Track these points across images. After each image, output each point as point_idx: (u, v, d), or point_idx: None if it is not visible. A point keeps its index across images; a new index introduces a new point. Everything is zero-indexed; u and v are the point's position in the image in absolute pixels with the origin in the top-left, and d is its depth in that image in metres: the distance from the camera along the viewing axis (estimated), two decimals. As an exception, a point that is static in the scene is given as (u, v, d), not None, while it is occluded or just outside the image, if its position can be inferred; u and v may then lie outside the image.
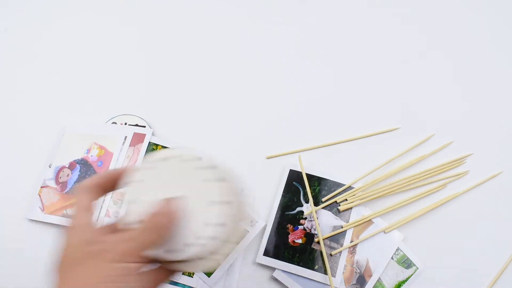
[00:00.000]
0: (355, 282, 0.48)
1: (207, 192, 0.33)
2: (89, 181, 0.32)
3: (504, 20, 0.63)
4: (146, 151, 0.54)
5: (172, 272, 0.32)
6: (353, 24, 0.63)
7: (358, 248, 0.50)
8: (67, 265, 0.28)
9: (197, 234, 0.31)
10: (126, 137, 0.55)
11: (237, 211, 0.33)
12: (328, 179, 0.52)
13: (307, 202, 0.51)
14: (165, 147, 0.54)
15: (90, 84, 0.60)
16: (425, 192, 0.53)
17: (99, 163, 0.54)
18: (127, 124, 0.56)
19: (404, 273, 0.49)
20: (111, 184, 0.33)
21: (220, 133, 0.57)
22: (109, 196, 0.52)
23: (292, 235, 0.50)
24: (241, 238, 0.41)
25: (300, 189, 0.52)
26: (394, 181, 0.53)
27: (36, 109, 0.59)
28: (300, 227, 0.50)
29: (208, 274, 0.48)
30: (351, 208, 0.51)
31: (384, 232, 0.50)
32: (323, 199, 0.51)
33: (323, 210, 0.51)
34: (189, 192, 0.33)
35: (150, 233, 0.29)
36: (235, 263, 0.49)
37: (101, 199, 0.31)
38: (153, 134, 0.55)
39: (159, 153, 0.34)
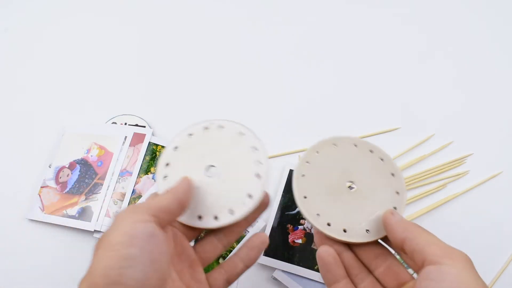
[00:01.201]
0: (355, 282, 0.48)
1: (248, 164, 0.34)
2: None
3: (504, 20, 0.63)
4: (146, 151, 0.54)
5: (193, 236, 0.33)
6: (353, 24, 0.63)
7: (358, 248, 0.50)
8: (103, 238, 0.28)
9: (239, 200, 0.33)
10: (126, 137, 0.55)
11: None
12: (328, 179, 0.52)
13: (307, 202, 0.51)
14: (165, 147, 0.54)
15: (90, 84, 0.60)
16: (425, 192, 0.53)
17: (99, 163, 0.54)
18: (127, 124, 0.56)
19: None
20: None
21: (220, 133, 0.57)
22: (109, 195, 0.52)
23: (292, 235, 0.50)
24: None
25: (300, 189, 0.52)
26: (394, 181, 0.53)
27: (36, 109, 0.59)
28: (300, 227, 0.50)
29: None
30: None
31: (384, 232, 0.50)
32: (323, 199, 0.51)
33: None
34: (230, 161, 0.34)
35: (171, 198, 0.29)
36: (235, 263, 0.48)
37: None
38: (153, 134, 0.55)
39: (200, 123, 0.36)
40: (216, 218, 0.32)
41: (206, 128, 0.36)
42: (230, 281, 0.35)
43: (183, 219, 0.33)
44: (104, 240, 0.28)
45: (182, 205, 0.30)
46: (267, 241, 0.35)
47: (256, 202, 0.33)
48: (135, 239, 0.26)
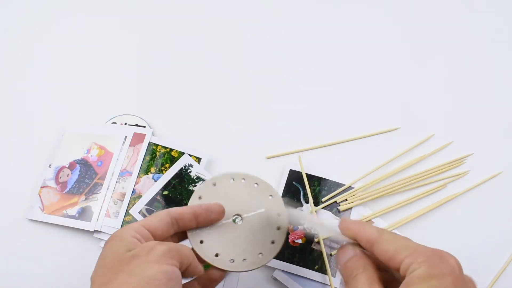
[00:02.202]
0: (355, 282, 0.48)
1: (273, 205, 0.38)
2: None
3: (504, 20, 0.63)
4: (146, 151, 0.54)
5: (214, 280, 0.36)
6: (353, 24, 0.63)
7: (358, 248, 0.50)
8: (107, 271, 0.29)
9: (265, 245, 0.36)
10: (126, 137, 0.55)
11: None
12: (328, 179, 0.52)
13: (307, 202, 0.51)
14: (165, 147, 0.54)
15: (90, 84, 0.60)
16: (425, 192, 0.53)
17: (99, 163, 0.54)
18: (127, 124, 0.56)
19: (404, 273, 0.49)
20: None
21: (220, 133, 0.57)
22: (109, 195, 0.52)
23: (292, 235, 0.50)
24: None
25: (300, 189, 0.52)
26: (394, 181, 0.53)
27: (36, 109, 0.59)
28: (300, 227, 0.50)
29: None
30: (351, 208, 0.51)
31: (384, 232, 0.50)
32: (323, 199, 0.51)
33: (323, 210, 0.51)
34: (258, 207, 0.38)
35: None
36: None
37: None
38: (153, 134, 0.55)
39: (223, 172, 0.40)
40: (244, 260, 0.35)
41: (230, 178, 0.39)
42: None
43: (217, 263, 0.35)
44: (135, 271, 0.28)
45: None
46: (222, 277, 0.36)
47: (279, 247, 0.37)
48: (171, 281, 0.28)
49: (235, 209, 0.38)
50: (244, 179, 0.40)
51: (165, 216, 0.34)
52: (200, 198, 0.39)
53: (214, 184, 0.40)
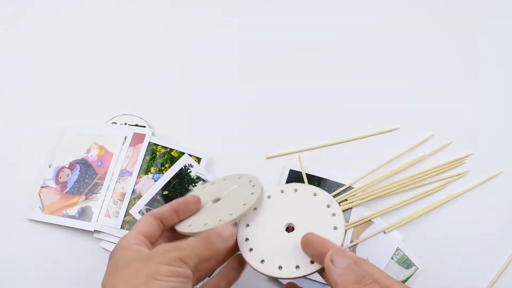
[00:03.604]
0: (355, 282, 0.48)
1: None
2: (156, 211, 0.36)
3: (504, 20, 0.63)
4: (146, 151, 0.54)
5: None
6: (353, 24, 0.63)
7: (358, 248, 0.50)
8: (119, 273, 0.30)
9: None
10: (126, 137, 0.55)
11: None
12: (328, 179, 0.52)
13: (307, 202, 0.51)
14: (165, 147, 0.54)
15: (90, 84, 0.60)
16: (425, 192, 0.53)
17: (99, 163, 0.54)
18: (127, 124, 0.56)
19: (404, 273, 0.49)
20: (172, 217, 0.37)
21: (220, 133, 0.57)
22: (109, 195, 0.52)
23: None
24: None
25: (300, 189, 0.52)
26: (394, 181, 0.53)
27: (36, 109, 0.59)
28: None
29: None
30: (351, 208, 0.51)
31: (384, 232, 0.50)
32: (323, 199, 0.51)
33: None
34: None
35: (202, 247, 0.32)
36: (235, 263, 0.49)
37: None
38: (153, 134, 0.55)
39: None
40: (297, 267, 0.34)
41: (282, 191, 0.39)
42: (229, 285, 0.37)
43: (264, 270, 0.35)
44: (144, 268, 0.29)
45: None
46: (245, 264, 0.37)
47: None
48: (179, 277, 0.29)
49: (214, 196, 0.40)
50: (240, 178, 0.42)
51: (149, 218, 0.35)
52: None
53: (204, 188, 0.43)
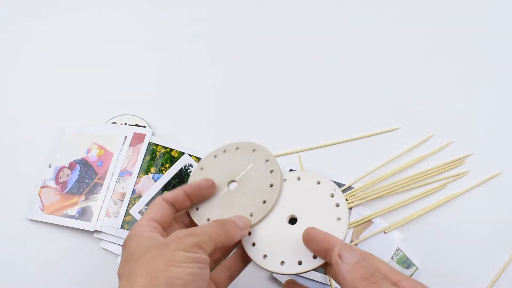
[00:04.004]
0: (355, 282, 0.48)
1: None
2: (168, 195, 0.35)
3: (504, 19, 0.63)
4: (146, 151, 0.54)
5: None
6: (353, 23, 0.63)
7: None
8: (135, 262, 0.29)
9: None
10: (126, 137, 0.55)
11: None
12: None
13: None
14: (165, 147, 0.54)
15: (90, 84, 0.60)
16: (425, 192, 0.53)
17: (99, 163, 0.54)
18: (127, 124, 0.56)
19: (404, 273, 0.49)
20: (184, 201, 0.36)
21: (220, 133, 0.57)
22: (109, 195, 0.52)
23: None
24: None
25: (300, 189, 0.52)
26: (394, 181, 0.53)
27: (37, 109, 0.59)
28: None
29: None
30: (351, 208, 0.51)
31: (384, 232, 0.50)
32: (323, 199, 0.51)
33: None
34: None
35: (218, 233, 0.32)
36: (235, 263, 0.49)
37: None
38: (153, 134, 0.55)
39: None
40: (299, 263, 0.34)
41: (285, 180, 0.38)
42: (232, 278, 0.37)
43: (267, 266, 0.34)
44: (162, 255, 0.29)
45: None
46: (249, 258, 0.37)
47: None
48: (197, 263, 0.29)
49: (229, 177, 0.38)
50: (238, 147, 0.40)
51: (162, 203, 0.34)
52: (202, 169, 0.40)
53: (215, 156, 0.40)
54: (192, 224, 0.38)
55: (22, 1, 0.66)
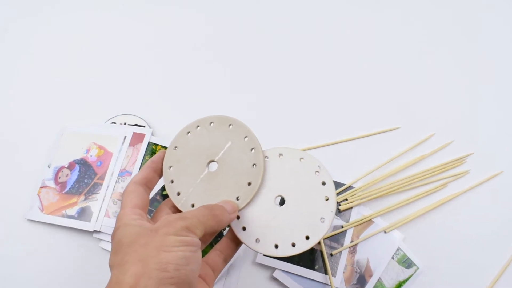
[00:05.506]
0: (355, 282, 0.48)
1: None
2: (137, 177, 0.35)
3: (504, 19, 0.63)
4: (145, 151, 0.54)
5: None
6: (352, 23, 0.63)
7: (358, 248, 0.49)
8: (126, 250, 0.29)
9: (314, 225, 0.34)
10: (125, 137, 0.55)
11: None
12: (328, 179, 0.52)
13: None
14: (165, 147, 0.54)
15: (89, 84, 0.60)
16: (425, 192, 0.52)
17: (99, 163, 0.53)
18: (127, 124, 0.56)
19: (404, 273, 0.49)
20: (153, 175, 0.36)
21: (220, 133, 0.57)
22: (108, 195, 0.51)
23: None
24: None
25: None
26: (394, 181, 0.52)
27: (36, 109, 0.59)
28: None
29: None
30: (351, 207, 0.51)
31: (385, 232, 0.50)
32: (323, 199, 0.51)
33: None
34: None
35: (207, 217, 0.32)
36: (235, 263, 0.48)
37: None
38: (152, 134, 0.55)
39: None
40: (293, 245, 0.33)
41: (267, 157, 0.37)
42: (227, 260, 0.37)
43: (261, 250, 0.34)
44: (152, 241, 0.29)
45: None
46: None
47: (329, 224, 0.35)
48: (188, 246, 0.29)
49: (207, 157, 0.36)
50: (213, 122, 0.38)
51: (138, 188, 0.35)
52: (176, 148, 0.38)
53: (188, 133, 0.38)
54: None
55: (22, 1, 0.66)
